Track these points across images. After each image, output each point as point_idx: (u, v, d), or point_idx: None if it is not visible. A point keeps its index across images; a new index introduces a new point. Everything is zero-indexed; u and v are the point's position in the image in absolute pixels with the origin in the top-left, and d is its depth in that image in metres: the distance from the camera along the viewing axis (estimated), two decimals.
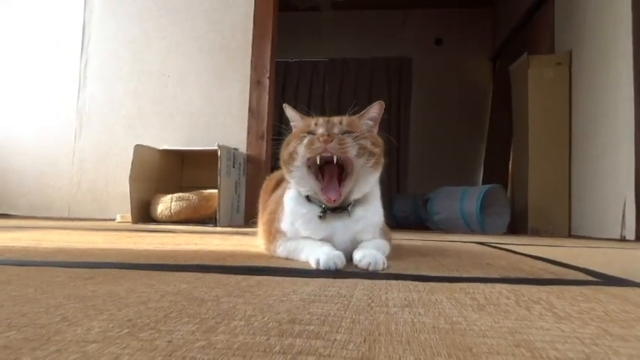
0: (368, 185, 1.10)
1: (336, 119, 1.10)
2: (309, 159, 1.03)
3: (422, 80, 6.26)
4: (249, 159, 3.60)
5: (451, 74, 6.20)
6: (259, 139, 3.64)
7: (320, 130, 1.05)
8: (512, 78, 4.51)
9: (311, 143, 1.02)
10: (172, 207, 3.06)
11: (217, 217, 2.99)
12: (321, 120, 1.10)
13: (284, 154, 1.11)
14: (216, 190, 3.04)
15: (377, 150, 1.08)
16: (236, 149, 3.43)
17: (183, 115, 3.76)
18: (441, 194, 4.41)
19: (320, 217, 1.08)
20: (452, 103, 6.18)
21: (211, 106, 3.75)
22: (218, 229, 2.76)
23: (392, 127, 6.13)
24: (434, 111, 6.21)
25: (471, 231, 3.94)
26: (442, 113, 6.18)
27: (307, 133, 1.07)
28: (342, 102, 6.31)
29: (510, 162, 5.19)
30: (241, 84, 3.73)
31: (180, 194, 3.12)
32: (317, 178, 1.06)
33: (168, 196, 3.11)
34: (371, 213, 1.14)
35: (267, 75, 3.69)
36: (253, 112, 3.68)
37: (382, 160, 1.11)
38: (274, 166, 4.76)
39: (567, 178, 3.81)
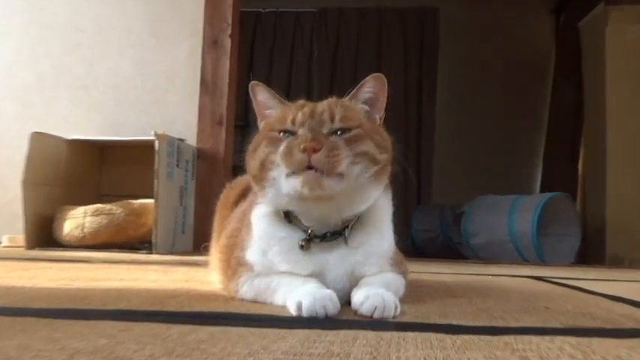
0: (366, 201, 1.10)
1: (325, 110, 1.08)
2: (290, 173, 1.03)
3: (452, 41, 6.28)
4: (201, 154, 3.59)
5: (495, 32, 6.24)
6: (216, 126, 3.63)
7: (301, 131, 1.04)
8: (582, 38, 4.56)
9: (289, 152, 1.02)
10: (87, 225, 3.04)
11: (154, 240, 2.97)
12: (300, 115, 1.07)
13: (252, 165, 1.10)
14: (151, 201, 3.02)
15: (382, 157, 1.08)
16: (182, 140, 3.42)
17: (105, 89, 3.74)
18: (480, 207, 4.44)
19: (302, 246, 1.10)
20: (496, 75, 6.21)
21: (146, 75, 3.73)
22: (155, 257, 2.74)
23: (409, 110, 6.15)
24: (470, 85, 6.24)
25: (524, 260, 3.96)
26: (482, 89, 6.21)
27: (283, 132, 1.07)
28: (337, 72, 6.32)
29: (580, 160, 5.23)
30: (190, 44, 3.72)
31: (99, 206, 3.09)
32: None
33: (81, 209, 3.09)
34: (376, 239, 1.15)
35: (229, 32, 3.68)
36: (207, 86, 3.67)
37: (389, 169, 1.12)
38: (238, 165, 4.74)
39: None
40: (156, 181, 3.00)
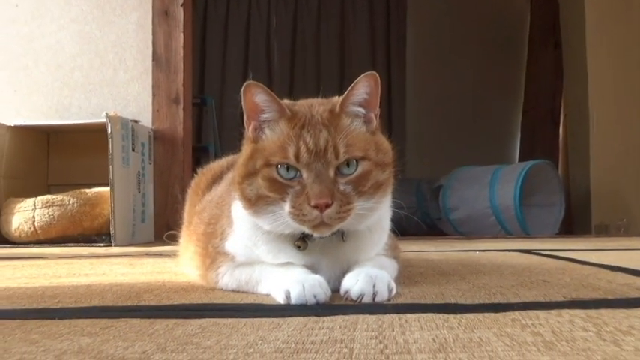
0: (373, 217, 1.12)
1: (329, 145, 1.04)
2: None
3: (421, 5, 6.31)
4: (158, 136, 3.57)
5: None
6: (172, 104, 3.60)
7: (306, 174, 1.03)
8: None
9: (298, 208, 1.01)
10: (37, 218, 3.00)
11: (112, 232, 2.96)
12: (304, 152, 1.03)
13: (246, 191, 1.08)
14: (106, 189, 3.00)
15: (385, 176, 1.09)
16: (136, 121, 3.38)
17: (47, 69, 3.67)
18: (459, 179, 4.49)
19: (298, 247, 1.10)
20: (469, 39, 6.26)
21: (92, 52, 3.67)
22: (115, 249, 2.73)
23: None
24: (441, 52, 6.28)
25: (507, 233, 4.03)
26: (454, 55, 6.26)
27: (281, 167, 1.04)
28: (299, 46, 6.23)
29: (561, 125, 5.31)
30: (139, 16, 3.67)
31: (49, 197, 3.06)
32: None
33: (30, 202, 3.05)
34: (377, 234, 1.18)
35: (181, 1, 3.64)
36: (161, 61, 3.63)
37: (392, 180, 1.13)
38: (198, 146, 4.72)
39: None
40: (110, 167, 2.97)
